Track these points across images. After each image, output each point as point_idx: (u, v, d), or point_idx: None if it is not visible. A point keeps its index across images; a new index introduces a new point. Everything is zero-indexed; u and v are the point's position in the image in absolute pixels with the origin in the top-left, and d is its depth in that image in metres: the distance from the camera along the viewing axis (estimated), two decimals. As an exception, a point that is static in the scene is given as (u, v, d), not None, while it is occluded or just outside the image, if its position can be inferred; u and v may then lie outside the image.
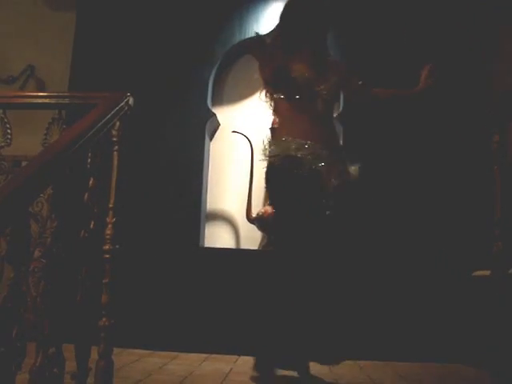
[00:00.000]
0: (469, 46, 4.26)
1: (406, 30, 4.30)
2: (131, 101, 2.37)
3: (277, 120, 2.97)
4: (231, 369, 3.15)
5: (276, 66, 2.74)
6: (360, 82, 3.00)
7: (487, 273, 2.87)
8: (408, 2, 4.37)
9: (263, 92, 2.85)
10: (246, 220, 4.18)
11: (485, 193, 3.04)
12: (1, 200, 1.41)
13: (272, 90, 2.81)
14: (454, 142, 4.11)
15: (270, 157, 2.75)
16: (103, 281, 2.21)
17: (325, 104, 2.79)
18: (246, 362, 3.36)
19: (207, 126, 4.32)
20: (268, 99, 2.85)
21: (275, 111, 2.86)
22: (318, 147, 2.69)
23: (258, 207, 4.18)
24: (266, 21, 4.42)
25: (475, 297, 3.54)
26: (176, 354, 3.68)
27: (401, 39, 4.30)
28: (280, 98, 2.78)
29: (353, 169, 2.81)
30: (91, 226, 2.07)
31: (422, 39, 4.30)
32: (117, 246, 2.25)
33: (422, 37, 4.31)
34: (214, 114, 4.37)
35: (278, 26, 2.94)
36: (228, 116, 4.56)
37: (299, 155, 2.66)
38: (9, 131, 2.35)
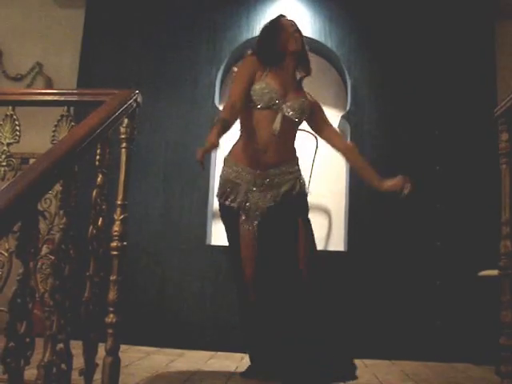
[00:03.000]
0: (472, 44, 4.26)
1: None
2: (139, 98, 2.37)
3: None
4: (237, 367, 3.16)
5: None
6: (322, 120, 3.09)
7: (494, 272, 2.86)
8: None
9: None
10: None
11: (492, 192, 3.03)
12: (10, 197, 1.42)
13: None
14: (460, 142, 4.11)
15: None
16: (111, 278, 2.22)
17: (286, 122, 2.84)
18: (252, 360, 3.37)
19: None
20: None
21: (240, 125, 2.96)
22: (259, 173, 2.84)
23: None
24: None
25: (482, 296, 3.53)
26: (182, 351, 3.69)
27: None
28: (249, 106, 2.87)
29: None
30: (99, 222, 2.08)
31: (426, 36, 4.30)
32: (124, 243, 2.26)
33: (423, 38, 4.31)
34: (221, 112, 4.37)
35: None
36: (235, 114, 4.56)
37: (237, 181, 2.85)
38: (17, 128, 2.36)
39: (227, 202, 2.86)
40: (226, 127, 2.70)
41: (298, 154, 2.99)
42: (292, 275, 2.73)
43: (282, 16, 3.06)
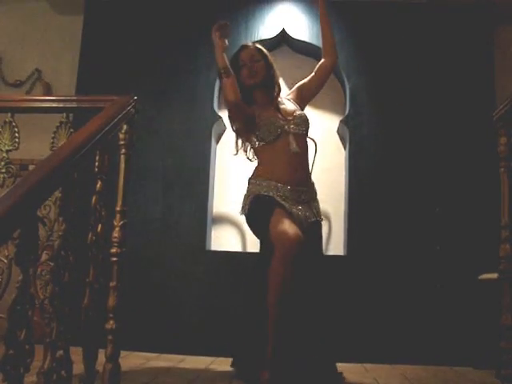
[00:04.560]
0: (471, 47, 4.27)
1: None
2: (138, 104, 2.38)
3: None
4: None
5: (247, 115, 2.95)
6: (310, 76, 3.14)
7: (494, 276, 2.87)
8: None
9: (239, 147, 3.07)
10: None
11: (491, 195, 3.04)
12: (10, 204, 1.42)
13: (246, 138, 3.02)
14: (459, 146, 4.11)
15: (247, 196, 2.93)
16: (110, 284, 2.22)
17: (297, 139, 2.92)
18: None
19: (213, 128, 4.32)
20: (247, 150, 3.06)
21: (257, 157, 3.02)
22: (290, 189, 2.84)
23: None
24: (272, 24, 4.44)
25: (482, 300, 3.53)
26: (183, 357, 3.68)
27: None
28: (257, 144, 2.94)
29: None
30: (99, 228, 2.08)
31: (424, 41, 4.31)
32: (124, 249, 2.26)
33: (421, 43, 4.32)
34: (220, 117, 4.37)
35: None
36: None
37: (270, 194, 2.81)
38: (16, 135, 2.36)
39: (269, 193, 2.82)
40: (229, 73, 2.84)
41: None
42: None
43: (242, 49, 3.09)
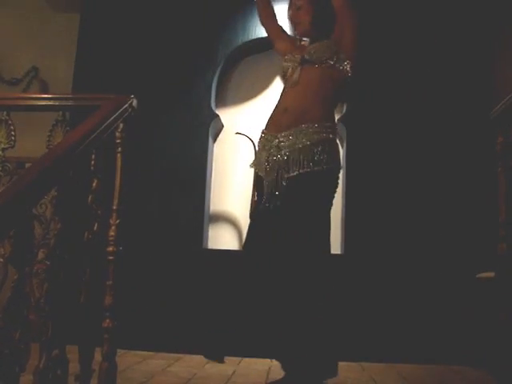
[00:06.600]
0: (469, 46, 4.25)
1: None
2: (135, 103, 2.37)
3: None
4: (234, 371, 3.15)
5: None
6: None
7: (491, 274, 2.87)
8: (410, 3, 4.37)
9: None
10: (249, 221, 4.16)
11: (489, 194, 3.04)
12: (5, 202, 1.41)
13: None
14: (457, 144, 4.11)
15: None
16: (107, 282, 2.21)
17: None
18: (249, 364, 3.37)
19: (210, 127, 4.32)
20: None
21: None
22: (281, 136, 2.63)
23: (261, 209, 4.16)
24: (270, 22, 4.42)
25: (479, 298, 3.53)
26: (179, 355, 3.67)
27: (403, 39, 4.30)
28: None
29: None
30: (95, 227, 2.07)
31: (423, 40, 4.30)
32: (120, 248, 2.25)
33: (423, 38, 4.31)
34: (218, 116, 4.36)
35: None
36: (231, 117, 4.56)
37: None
38: (13, 133, 2.35)
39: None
40: None
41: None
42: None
43: None
